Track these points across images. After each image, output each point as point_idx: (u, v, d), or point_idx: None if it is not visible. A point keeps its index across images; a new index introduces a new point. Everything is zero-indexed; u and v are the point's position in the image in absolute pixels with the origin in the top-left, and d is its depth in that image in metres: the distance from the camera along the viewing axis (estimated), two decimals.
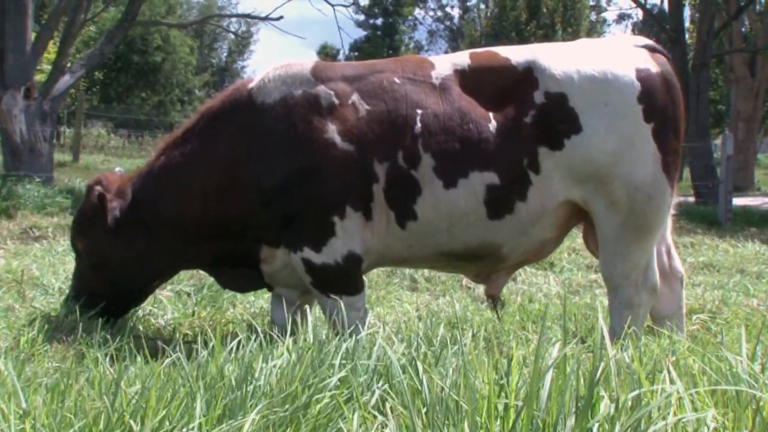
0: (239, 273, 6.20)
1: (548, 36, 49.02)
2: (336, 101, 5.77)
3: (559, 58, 5.78)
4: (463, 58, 6.01)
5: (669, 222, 6.11)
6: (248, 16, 29.91)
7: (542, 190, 5.66)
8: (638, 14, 62.12)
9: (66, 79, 17.75)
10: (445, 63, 5.97)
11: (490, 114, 5.70)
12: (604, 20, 66.64)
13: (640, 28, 65.25)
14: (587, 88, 5.65)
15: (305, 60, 6.11)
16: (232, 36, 76.39)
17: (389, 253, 5.97)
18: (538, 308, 7.09)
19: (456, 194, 5.65)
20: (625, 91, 5.65)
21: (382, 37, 71.69)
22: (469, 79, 5.85)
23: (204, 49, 76.13)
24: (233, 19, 72.03)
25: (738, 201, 20.16)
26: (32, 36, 17.55)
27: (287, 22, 24.22)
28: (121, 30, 19.28)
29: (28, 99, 16.70)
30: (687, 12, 39.89)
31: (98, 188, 6.02)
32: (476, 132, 5.65)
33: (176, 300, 7.22)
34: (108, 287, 6.07)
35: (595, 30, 58.54)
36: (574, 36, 50.26)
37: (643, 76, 5.69)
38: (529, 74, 5.76)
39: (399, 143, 5.67)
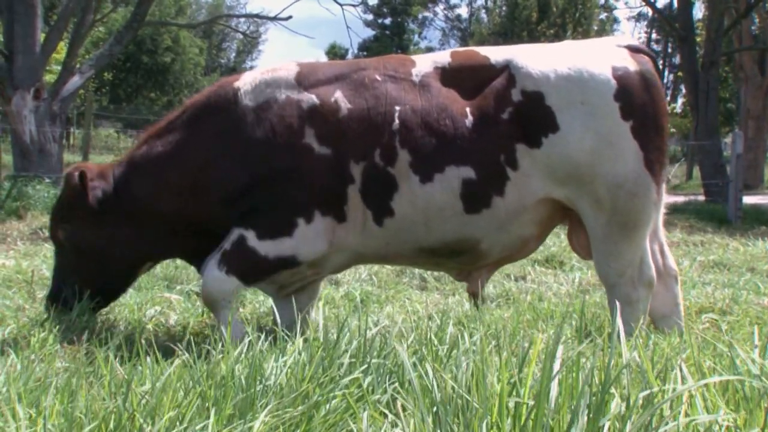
0: None
1: (558, 36, 49.05)
2: (318, 104, 5.80)
3: (536, 58, 5.82)
4: (444, 56, 6.07)
5: (660, 220, 6.12)
6: (257, 16, 29.98)
7: (520, 186, 5.68)
8: (648, 12, 62.12)
9: (75, 80, 17.81)
10: (426, 61, 6.02)
11: (468, 110, 5.73)
12: (615, 19, 66.59)
13: (653, 27, 65.23)
14: (563, 87, 5.67)
15: (291, 64, 6.13)
16: (241, 36, 76.54)
17: (367, 251, 6.00)
18: (548, 307, 7.08)
19: (432, 188, 5.67)
20: (601, 89, 5.66)
21: (390, 36, 71.80)
22: (449, 76, 5.90)
23: (213, 49, 76.34)
24: (242, 20, 72.21)
25: (748, 199, 20.11)
26: (41, 37, 17.61)
27: (296, 22, 24.31)
28: (131, 30, 19.31)
29: (38, 100, 16.76)
30: (700, 11, 39.91)
31: (77, 173, 6.04)
32: (453, 127, 5.68)
33: (185, 300, 7.24)
34: (93, 274, 6.09)
35: (605, 29, 58.47)
36: (585, 36, 50.26)
37: (619, 75, 5.70)
38: (506, 72, 5.80)
39: (378, 140, 5.70)
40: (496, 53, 5.98)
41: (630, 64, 5.78)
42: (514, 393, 2.96)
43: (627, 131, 5.65)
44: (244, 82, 6.04)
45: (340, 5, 23.59)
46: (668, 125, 5.99)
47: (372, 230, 5.81)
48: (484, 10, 68.03)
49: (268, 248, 5.75)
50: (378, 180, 5.70)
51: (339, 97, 5.81)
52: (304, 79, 5.95)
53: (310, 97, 5.83)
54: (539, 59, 5.80)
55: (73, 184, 6.02)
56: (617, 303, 5.75)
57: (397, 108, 5.73)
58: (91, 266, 6.09)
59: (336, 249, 5.89)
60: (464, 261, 6.09)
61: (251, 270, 5.83)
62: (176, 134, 6.05)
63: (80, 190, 6.00)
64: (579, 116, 5.62)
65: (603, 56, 5.81)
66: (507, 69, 5.80)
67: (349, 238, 5.85)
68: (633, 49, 5.95)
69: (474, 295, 6.42)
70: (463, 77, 5.88)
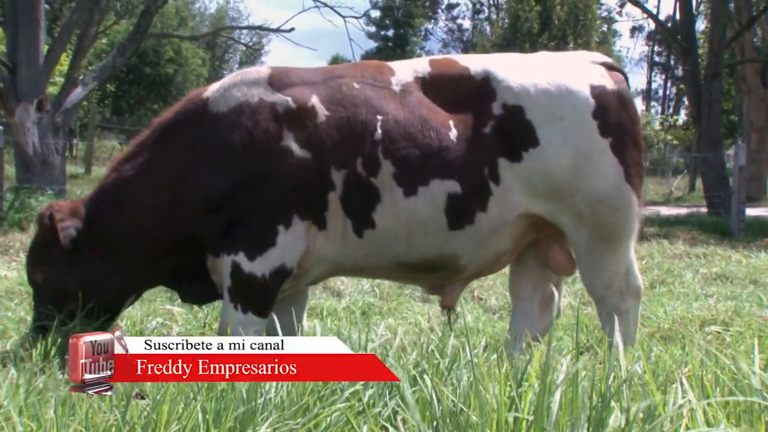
0: (195, 285, 6.04)
1: (560, 47, 49.09)
2: (293, 107, 5.67)
3: (516, 71, 5.79)
4: (422, 64, 5.97)
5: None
6: (260, 28, 29.96)
7: (502, 201, 5.64)
8: (650, 24, 62.19)
9: (78, 92, 17.85)
10: (405, 69, 5.92)
11: (451, 122, 5.66)
12: (615, 32, 66.62)
13: (655, 40, 65.27)
14: (543, 102, 5.66)
15: (263, 67, 6.03)
16: (244, 48, 76.64)
17: (346, 262, 5.86)
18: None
19: (416, 202, 5.59)
20: (579, 107, 5.67)
21: (393, 48, 71.85)
22: (429, 86, 5.81)
23: (216, 60, 76.41)
24: (245, 31, 72.30)
25: (751, 211, 20.07)
26: (45, 49, 17.66)
27: (299, 34, 24.38)
28: (133, 42, 19.37)
29: (41, 111, 16.80)
30: (703, 23, 39.95)
31: (47, 213, 5.84)
32: (437, 140, 5.60)
33: (187, 312, 7.22)
34: (75, 315, 5.76)
35: (606, 41, 58.57)
36: (585, 47, 50.36)
37: (597, 93, 5.73)
38: (486, 84, 5.75)
39: (358, 150, 5.59)
40: (474, 63, 5.92)
41: (607, 82, 5.81)
42: (513, 407, 2.95)
43: (606, 147, 5.67)
44: (212, 89, 5.90)
45: (343, 17, 23.66)
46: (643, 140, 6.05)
47: (351, 241, 5.69)
48: (486, 22, 68.21)
49: (261, 266, 5.60)
50: (360, 190, 5.59)
51: (315, 101, 5.68)
52: (277, 81, 5.82)
53: (285, 99, 5.70)
54: (519, 72, 5.77)
55: (46, 224, 5.82)
56: (606, 315, 5.80)
57: (379, 117, 5.61)
58: (73, 307, 5.77)
59: (316, 259, 5.77)
60: (442, 276, 6.02)
61: (260, 297, 5.69)
62: (147, 154, 5.86)
63: (51, 230, 5.78)
64: (558, 132, 5.62)
65: (582, 73, 5.82)
66: (487, 81, 5.75)
67: (329, 248, 5.73)
68: (608, 67, 5.98)
69: (448, 309, 6.38)
70: (443, 87, 5.80)
